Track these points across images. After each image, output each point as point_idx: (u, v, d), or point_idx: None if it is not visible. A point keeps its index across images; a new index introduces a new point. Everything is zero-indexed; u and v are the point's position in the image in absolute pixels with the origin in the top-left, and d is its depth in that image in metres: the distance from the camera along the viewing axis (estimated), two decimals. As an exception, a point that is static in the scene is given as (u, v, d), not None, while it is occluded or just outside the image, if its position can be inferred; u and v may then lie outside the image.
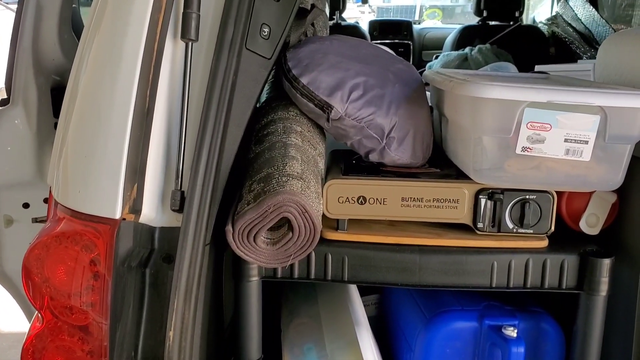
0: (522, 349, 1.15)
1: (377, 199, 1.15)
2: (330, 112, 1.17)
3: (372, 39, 4.01)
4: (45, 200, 1.59)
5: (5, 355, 2.77)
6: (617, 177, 1.09)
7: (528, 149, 1.06)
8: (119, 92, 0.97)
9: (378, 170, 1.22)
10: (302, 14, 1.28)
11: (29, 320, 1.68)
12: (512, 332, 1.17)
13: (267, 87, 1.37)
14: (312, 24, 1.38)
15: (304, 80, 1.17)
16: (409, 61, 4.08)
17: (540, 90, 1.03)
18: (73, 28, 1.64)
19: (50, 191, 1.10)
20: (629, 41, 1.30)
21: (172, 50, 1.02)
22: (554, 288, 1.14)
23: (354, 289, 1.33)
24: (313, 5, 1.34)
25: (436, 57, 3.40)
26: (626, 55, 1.27)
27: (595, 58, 1.39)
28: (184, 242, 0.99)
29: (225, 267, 1.19)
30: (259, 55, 1.10)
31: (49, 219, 1.05)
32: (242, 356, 1.16)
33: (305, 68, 1.18)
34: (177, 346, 0.98)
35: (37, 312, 1.03)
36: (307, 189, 1.06)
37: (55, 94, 1.58)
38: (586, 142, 1.05)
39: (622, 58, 1.28)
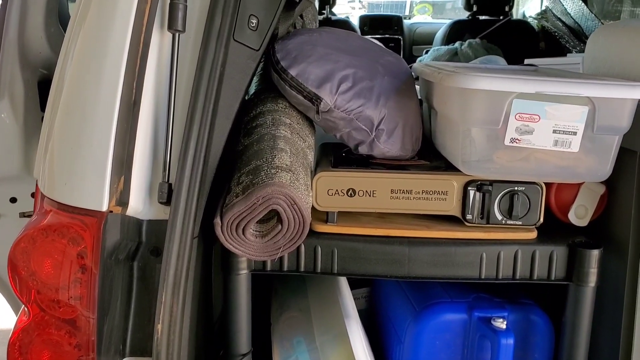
0: (511, 341, 1.16)
1: (366, 191, 1.15)
2: (320, 104, 1.16)
3: (362, 34, 4.00)
4: (33, 195, 1.58)
5: (-5, 352, 2.75)
6: (606, 168, 1.09)
7: (517, 140, 1.06)
8: (105, 83, 0.96)
9: (367, 162, 1.22)
10: (291, 5, 1.28)
11: (17, 315, 1.67)
12: (501, 324, 1.17)
13: (255, 79, 1.36)
14: (301, 16, 1.37)
15: (293, 72, 1.17)
16: (400, 55, 4.09)
17: (528, 82, 1.03)
18: (60, 20, 1.62)
19: (36, 184, 1.09)
20: (616, 33, 1.31)
21: (159, 42, 1.01)
22: (543, 279, 1.14)
23: (343, 282, 1.33)
24: (302, -3, 1.33)
25: (426, 52, 3.40)
26: (614, 47, 1.28)
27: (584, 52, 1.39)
28: (171, 234, 0.99)
29: (214, 260, 1.19)
30: (247, 46, 1.09)
31: (36, 212, 1.04)
32: (232, 349, 1.15)
33: (294, 60, 1.18)
34: (166, 339, 0.98)
35: (23, 306, 1.02)
36: (296, 181, 1.05)
37: (43, 87, 1.57)
38: (574, 134, 1.05)
39: (610, 50, 1.29)
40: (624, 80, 1.09)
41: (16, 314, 1.69)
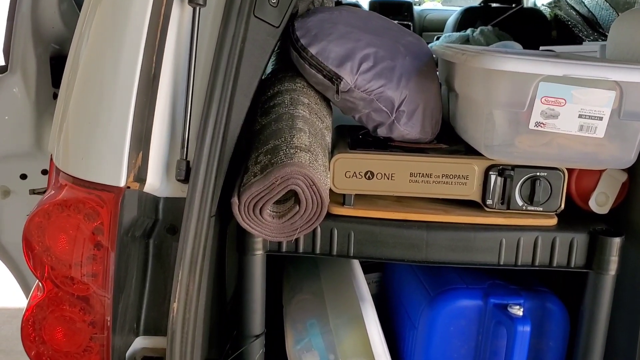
0: (527, 328, 1.14)
1: (384, 174, 1.13)
2: (340, 83, 1.14)
3: (372, 19, 3.97)
4: (44, 172, 1.57)
5: (0, 331, 2.75)
6: (630, 156, 1.07)
7: (542, 125, 1.04)
8: (125, 57, 0.94)
9: (386, 145, 1.20)
10: (311, -18, 1.26)
11: (26, 295, 1.66)
12: (518, 311, 1.16)
13: (272, 58, 1.34)
14: (320, -5, 1.35)
15: (313, 50, 1.14)
16: (410, 42, 4.06)
17: (556, 64, 1.00)
18: (73, -4, 1.60)
19: (51, 159, 1.08)
20: (642, 19, 1.28)
21: (179, 15, 0.99)
22: (562, 266, 1.12)
23: (357, 265, 1.32)
24: (322, -26, 1.31)
25: (437, 39, 3.37)
26: (639, 33, 1.25)
27: (599, 41, 1.37)
28: (189, 213, 0.97)
29: (228, 240, 1.17)
30: (267, 23, 1.07)
31: (50, 187, 1.02)
32: (245, 330, 1.14)
33: (314, 37, 1.15)
34: (181, 318, 0.97)
35: (37, 281, 1.00)
36: (315, 161, 1.04)
37: (54, 63, 1.54)
38: (600, 119, 1.03)
39: (634, 36, 1.26)
40: (652, 65, 1.07)
41: (25, 294, 1.69)
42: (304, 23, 1.18)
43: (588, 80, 1.01)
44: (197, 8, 0.99)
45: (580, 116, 1.03)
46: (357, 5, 3.83)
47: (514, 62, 0.99)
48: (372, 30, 1.21)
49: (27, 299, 1.08)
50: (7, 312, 2.86)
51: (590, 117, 1.03)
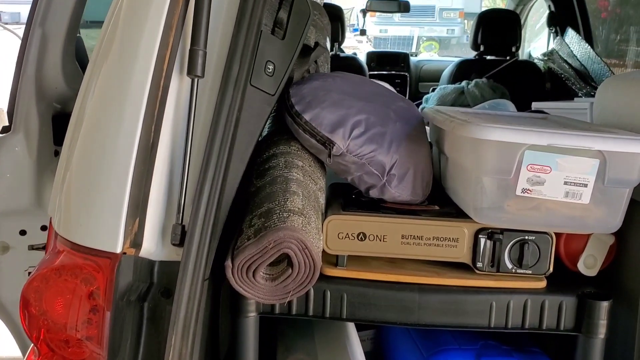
0: (519, 390, 1.15)
1: (377, 235, 1.16)
2: (332, 148, 1.18)
3: (369, 70, 4.05)
4: (43, 228, 1.59)
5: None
6: (616, 220, 1.10)
7: (528, 191, 1.06)
8: (125, 126, 0.98)
9: (378, 206, 1.23)
10: (306, 51, 1.30)
11: (22, 352, 1.66)
12: (509, 373, 1.17)
13: (268, 121, 1.37)
14: (315, 61, 1.40)
15: (307, 116, 1.18)
16: (406, 93, 4.13)
17: (541, 134, 1.04)
18: (76, 56, 1.65)
19: (50, 221, 1.10)
20: (625, 85, 1.33)
21: (177, 86, 1.03)
22: (552, 329, 1.13)
23: (351, 326, 1.33)
24: (317, 43, 1.36)
25: (433, 90, 3.43)
26: (624, 99, 1.29)
27: (590, 95, 1.42)
28: (183, 277, 0.99)
29: (222, 302, 1.18)
30: (263, 91, 1.11)
31: (48, 251, 1.04)
32: (239, 392, 1.15)
33: (308, 104, 1.19)
34: (174, 383, 0.97)
35: (32, 345, 1.02)
36: (308, 224, 1.06)
37: (57, 121, 1.59)
38: (585, 185, 1.06)
39: (619, 101, 1.30)
40: (634, 133, 1.10)
41: (22, 350, 1.69)
42: (298, 90, 1.22)
43: (572, 149, 1.04)
44: (196, 79, 1.02)
45: (565, 183, 1.06)
46: (354, 58, 3.93)
47: (500, 132, 1.03)
48: (364, 97, 1.26)
49: (22, 355, 1.09)
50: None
51: (575, 184, 1.06)
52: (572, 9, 3.59)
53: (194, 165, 1.03)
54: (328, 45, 1.64)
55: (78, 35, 1.68)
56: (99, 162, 0.99)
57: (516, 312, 1.13)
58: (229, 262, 1.03)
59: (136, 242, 1.00)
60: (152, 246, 1.03)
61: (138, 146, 0.98)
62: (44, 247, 1.13)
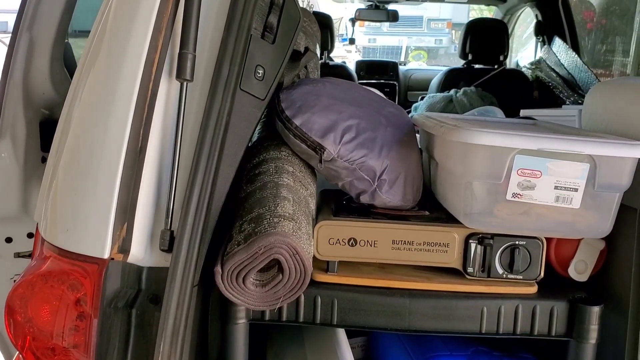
0: (511, 396, 1.14)
1: (367, 241, 1.15)
2: (323, 153, 1.17)
3: (359, 79, 4.06)
4: (29, 235, 1.57)
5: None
6: (606, 225, 1.10)
7: (518, 195, 1.06)
8: (112, 131, 0.97)
9: (369, 212, 1.22)
10: (296, 56, 1.30)
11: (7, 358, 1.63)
12: (501, 379, 1.16)
13: (258, 126, 1.37)
14: (305, 66, 1.39)
15: (297, 121, 1.18)
16: (395, 101, 4.15)
17: (531, 138, 1.04)
18: (65, 63, 1.64)
19: (37, 228, 1.08)
20: (613, 91, 1.33)
21: (166, 90, 1.02)
22: (543, 335, 1.13)
23: (341, 332, 1.32)
24: (307, 48, 1.36)
25: (421, 98, 3.45)
26: (611, 104, 1.30)
27: (578, 103, 1.42)
28: (172, 283, 0.98)
29: (211, 308, 1.17)
30: (253, 95, 1.11)
31: (35, 257, 1.02)
32: (228, 400, 1.13)
33: (298, 109, 1.19)
34: (163, 390, 0.96)
35: (17, 353, 1.00)
36: (299, 230, 1.05)
37: (44, 127, 1.57)
38: (576, 190, 1.06)
39: (607, 107, 1.31)
40: (624, 138, 1.11)
41: (5, 357, 1.66)
42: (289, 95, 1.22)
43: (562, 154, 1.04)
44: (185, 83, 1.02)
45: (556, 187, 1.06)
46: (344, 67, 3.94)
47: (490, 137, 1.03)
48: (355, 102, 1.25)
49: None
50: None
51: (565, 189, 1.06)
52: (559, 18, 3.62)
53: (183, 170, 1.02)
54: (318, 52, 1.64)
55: (66, 41, 1.66)
56: (86, 166, 0.98)
57: (507, 318, 1.13)
58: (218, 268, 1.02)
59: (124, 248, 0.99)
60: (140, 252, 1.01)
61: (126, 151, 0.97)
62: (30, 255, 1.11)
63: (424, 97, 3.43)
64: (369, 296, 1.13)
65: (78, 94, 1.06)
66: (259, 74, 1.11)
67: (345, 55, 7.80)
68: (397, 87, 4.18)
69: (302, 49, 1.36)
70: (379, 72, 4.22)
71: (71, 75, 1.62)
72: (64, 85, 1.58)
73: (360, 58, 7.59)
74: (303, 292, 1.08)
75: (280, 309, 1.13)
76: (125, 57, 0.99)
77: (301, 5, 1.47)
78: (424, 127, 1.29)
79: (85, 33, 1.19)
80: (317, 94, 1.23)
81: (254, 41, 1.09)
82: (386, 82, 4.18)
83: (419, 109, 3.29)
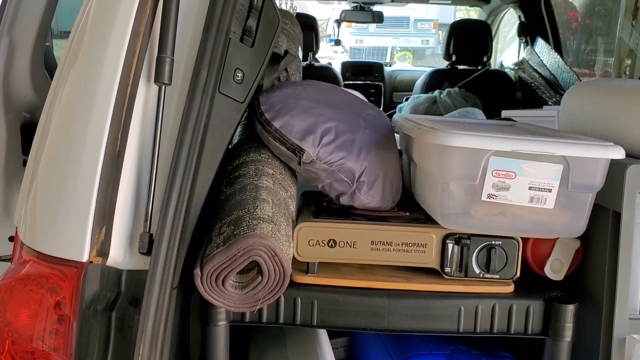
0: (489, 394, 1.16)
1: (347, 242, 1.16)
2: (302, 155, 1.18)
3: (344, 80, 4.07)
4: (10, 239, 1.56)
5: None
6: (580, 225, 1.12)
7: (494, 196, 1.08)
8: (91, 134, 0.97)
9: (348, 213, 1.23)
10: (276, 59, 1.31)
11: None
12: (479, 377, 1.18)
13: (239, 129, 1.38)
14: (285, 69, 1.40)
15: (277, 124, 1.19)
16: (380, 102, 4.16)
17: (505, 140, 1.06)
18: (46, 66, 1.64)
19: (16, 231, 1.09)
20: (589, 92, 1.36)
21: (145, 94, 1.03)
22: (519, 333, 1.15)
23: (323, 333, 1.33)
24: (286, 52, 1.37)
25: (406, 99, 3.47)
26: (587, 105, 1.32)
27: (559, 103, 1.44)
28: (151, 285, 0.98)
29: (192, 310, 1.18)
30: (232, 99, 1.11)
31: (14, 261, 1.03)
32: (209, 402, 1.14)
33: (277, 112, 1.20)
34: (142, 393, 0.96)
35: (-4, 357, 1.00)
36: (278, 232, 1.06)
37: (25, 131, 1.57)
38: (550, 190, 1.08)
39: (583, 108, 1.33)
40: (597, 139, 1.13)
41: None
42: (268, 98, 1.23)
43: (536, 155, 1.06)
44: (163, 87, 1.02)
45: (530, 188, 1.08)
46: (329, 68, 3.95)
47: (465, 138, 1.05)
48: (334, 105, 1.27)
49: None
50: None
51: (540, 189, 1.08)
52: (542, 20, 3.65)
53: (161, 173, 1.03)
54: (300, 54, 1.65)
55: (48, 44, 1.66)
56: (64, 170, 0.98)
57: (484, 317, 1.14)
58: (197, 271, 1.02)
59: (103, 251, 0.99)
60: (119, 255, 1.02)
61: (104, 154, 0.97)
62: (10, 259, 1.11)
63: (409, 98, 3.46)
64: (348, 297, 1.15)
65: (57, 97, 1.06)
66: (238, 77, 1.12)
67: (332, 55, 7.81)
68: (382, 88, 4.20)
69: (282, 52, 1.37)
70: (365, 73, 4.24)
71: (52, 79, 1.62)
72: (45, 88, 1.58)
73: (347, 58, 7.60)
74: (283, 294, 1.09)
75: (260, 310, 1.14)
76: (104, 61, 1.00)
77: (284, 7, 1.48)
78: (402, 129, 1.31)
79: (69, 34, 1.19)
80: (296, 96, 1.24)
81: (233, 45, 1.10)
82: (372, 83, 4.20)
83: (404, 110, 3.31)
